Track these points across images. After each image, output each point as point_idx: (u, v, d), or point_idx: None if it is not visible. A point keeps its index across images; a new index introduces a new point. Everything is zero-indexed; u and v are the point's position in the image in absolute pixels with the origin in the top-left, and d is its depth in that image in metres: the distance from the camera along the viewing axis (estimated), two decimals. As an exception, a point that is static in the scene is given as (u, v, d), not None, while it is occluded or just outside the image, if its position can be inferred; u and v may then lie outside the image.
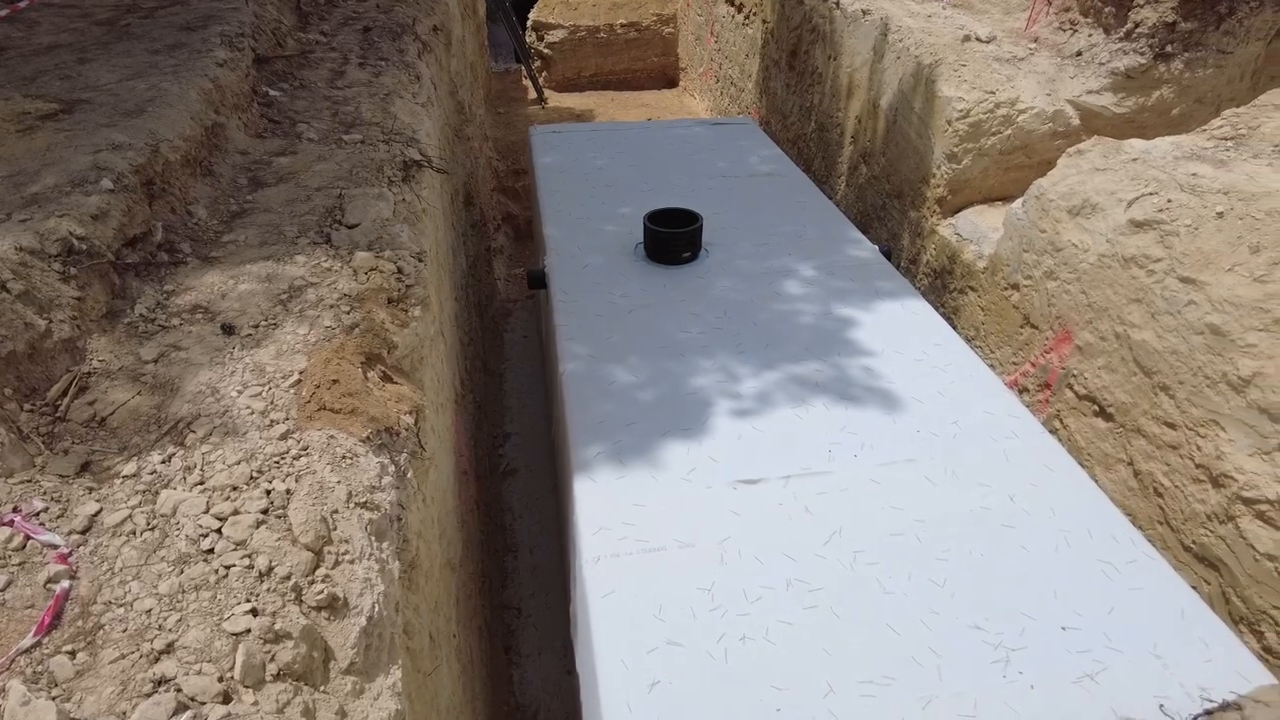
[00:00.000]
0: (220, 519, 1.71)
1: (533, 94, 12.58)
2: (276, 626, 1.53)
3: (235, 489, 1.79)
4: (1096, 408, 3.69)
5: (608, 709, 2.13)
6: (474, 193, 6.65)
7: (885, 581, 2.51)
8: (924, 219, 5.27)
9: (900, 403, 3.25)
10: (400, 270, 2.63)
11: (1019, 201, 4.27)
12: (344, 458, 1.93)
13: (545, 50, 12.91)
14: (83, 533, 1.63)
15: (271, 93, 4.00)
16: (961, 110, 4.80)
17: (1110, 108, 4.72)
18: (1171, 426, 3.27)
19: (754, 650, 2.28)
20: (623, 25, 12.70)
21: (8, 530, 1.59)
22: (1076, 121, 4.79)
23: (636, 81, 13.11)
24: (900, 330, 3.72)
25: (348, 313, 2.36)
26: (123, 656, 1.42)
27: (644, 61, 13.08)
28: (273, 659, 1.49)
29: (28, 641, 1.40)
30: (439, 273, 3.44)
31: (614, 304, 3.95)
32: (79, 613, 1.48)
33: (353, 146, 3.48)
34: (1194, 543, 3.16)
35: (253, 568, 1.62)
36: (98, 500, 1.70)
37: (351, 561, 1.75)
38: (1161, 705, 2.05)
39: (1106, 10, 4.76)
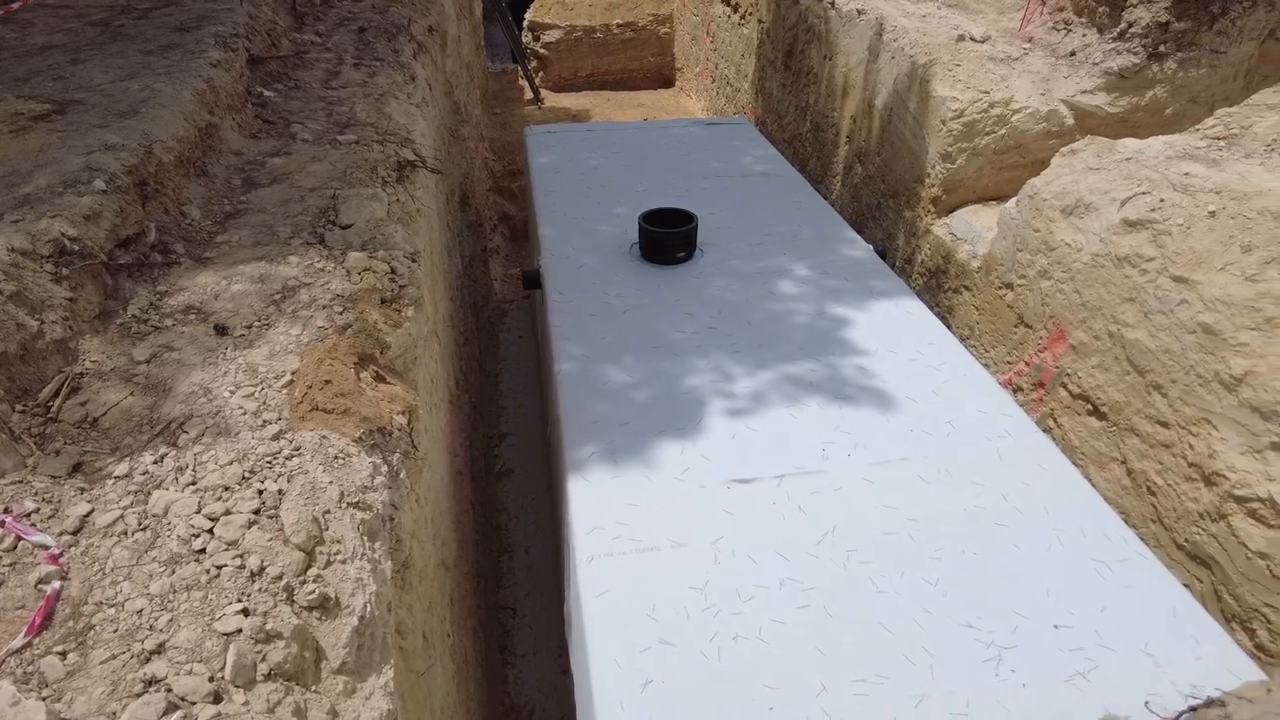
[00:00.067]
0: (212, 519, 1.71)
1: (529, 94, 12.58)
2: (268, 626, 1.53)
3: (227, 489, 1.79)
4: (1090, 407, 3.71)
5: (601, 708, 2.14)
6: (470, 193, 6.65)
7: (878, 580, 2.51)
8: (919, 218, 5.28)
9: (894, 402, 3.26)
10: (393, 270, 2.63)
11: (1013, 201, 4.28)
12: (336, 458, 1.93)
13: (541, 50, 12.91)
14: (74, 533, 1.63)
15: (266, 93, 4.00)
16: (956, 110, 4.80)
17: (1104, 107, 4.73)
18: (1164, 425, 3.28)
19: (747, 649, 2.28)
20: (619, 25, 12.70)
21: (-1, 531, 1.59)
22: (1070, 121, 4.80)
23: (633, 81, 13.12)
24: (894, 330, 3.72)
25: (340, 313, 2.37)
26: (113, 657, 1.42)
27: (640, 61, 13.08)
28: (264, 659, 1.49)
29: (18, 642, 1.41)
30: (433, 273, 3.45)
31: (609, 304, 3.96)
32: (70, 613, 1.48)
33: (347, 147, 3.48)
34: (1186, 541, 3.17)
35: (244, 568, 1.63)
36: (89, 501, 1.70)
37: (343, 561, 1.76)
38: (1147, 702, 2.06)
39: (1100, 10, 4.77)
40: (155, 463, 1.83)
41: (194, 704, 1.36)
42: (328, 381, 2.07)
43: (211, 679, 1.42)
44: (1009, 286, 4.25)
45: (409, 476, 2.22)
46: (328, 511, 1.80)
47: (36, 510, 1.66)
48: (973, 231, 4.77)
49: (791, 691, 2.17)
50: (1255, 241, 3.00)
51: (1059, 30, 5.08)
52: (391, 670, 1.76)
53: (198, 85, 3.24)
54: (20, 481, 1.72)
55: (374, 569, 1.82)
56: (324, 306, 2.38)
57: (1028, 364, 4.12)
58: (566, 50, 12.81)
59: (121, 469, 1.79)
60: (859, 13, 6.05)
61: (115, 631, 1.46)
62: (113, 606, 1.50)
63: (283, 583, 1.63)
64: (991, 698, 2.20)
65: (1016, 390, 4.20)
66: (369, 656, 1.71)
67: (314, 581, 1.68)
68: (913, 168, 5.30)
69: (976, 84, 4.85)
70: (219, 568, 1.61)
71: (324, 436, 1.97)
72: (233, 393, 2.06)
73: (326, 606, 1.66)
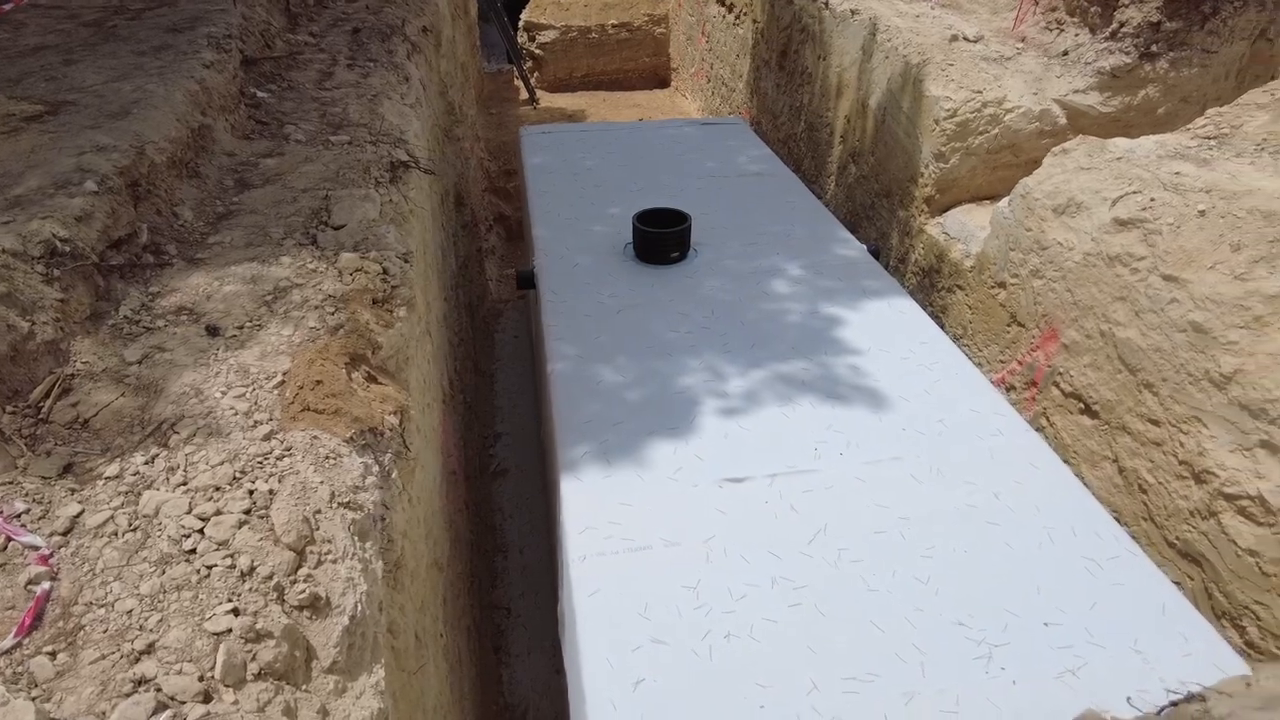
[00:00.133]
0: (203, 519, 1.72)
1: (525, 94, 12.58)
2: (258, 626, 1.54)
3: (218, 489, 1.80)
4: (1082, 405, 3.72)
5: (592, 707, 2.15)
6: (465, 193, 6.65)
7: (870, 579, 2.52)
8: (912, 218, 5.29)
9: (886, 401, 3.27)
10: (386, 271, 2.63)
11: (1005, 200, 4.30)
12: (327, 458, 1.94)
13: (537, 51, 12.91)
14: (64, 534, 1.63)
15: (259, 94, 4.00)
16: (949, 110, 4.82)
17: (1096, 107, 4.74)
18: (1155, 423, 3.29)
19: (738, 648, 2.29)
20: (614, 25, 12.71)
21: (-11, 532, 1.60)
22: (1063, 121, 4.82)
23: (628, 82, 13.12)
24: (887, 329, 3.74)
25: (332, 313, 2.37)
26: (103, 657, 1.42)
27: (636, 62, 13.09)
28: (254, 658, 1.49)
29: (8, 643, 1.41)
30: (427, 273, 3.45)
31: (602, 304, 3.97)
32: (60, 614, 1.49)
33: (340, 148, 3.49)
34: (1177, 538, 3.18)
35: (235, 568, 1.63)
36: (80, 502, 1.70)
37: (334, 561, 1.76)
38: (1129, 698, 2.08)
39: (1092, 10, 4.79)
40: (146, 463, 1.83)
41: (183, 703, 1.37)
42: (319, 382, 2.08)
43: (201, 678, 1.42)
44: (1002, 285, 4.26)
45: (401, 476, 2.22)
46: (318, 511, 1.81)
47: (27, 511, 1.67)
48: (966, 231, 4.78)
49: (783, 690, 2.19)
50: (1244, 240, 3.02)
51: (1052, 30, 5.09)
52: (382, 669, 1.76)
53: (190, 86, 3.24)
54: (10, 482, 1.72)
55: (365, 569, 1.82)
56: (316, 307, 2.39)
57: (1020, 363, 4.13)
58: (562, 50, 12.81)
59: (112, 470, 1.80)
60: (853, 13, 6.07)
61: (105, 632, 1.47)
62: (103, 607, 1.51)
63: (273, 582, 1.63)
64: (982, 695, 2.21)
65: (1009, 389, 4.21)
66: (360, 656, 1.72)
67: (305, 581, 1.68)
68: (906, 167, 5.31)
69: (970, 84, 4.86)
70: (209, 568, 1.62)
71: (315, 437, 1.97)
72: (224, 393, 2.06)
73: (317, 606, 1.66)
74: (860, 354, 3.57)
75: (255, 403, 2.04)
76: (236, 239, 2.76)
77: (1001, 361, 4.30)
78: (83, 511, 1.68)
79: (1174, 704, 1.06)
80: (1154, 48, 4.56)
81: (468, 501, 4.27)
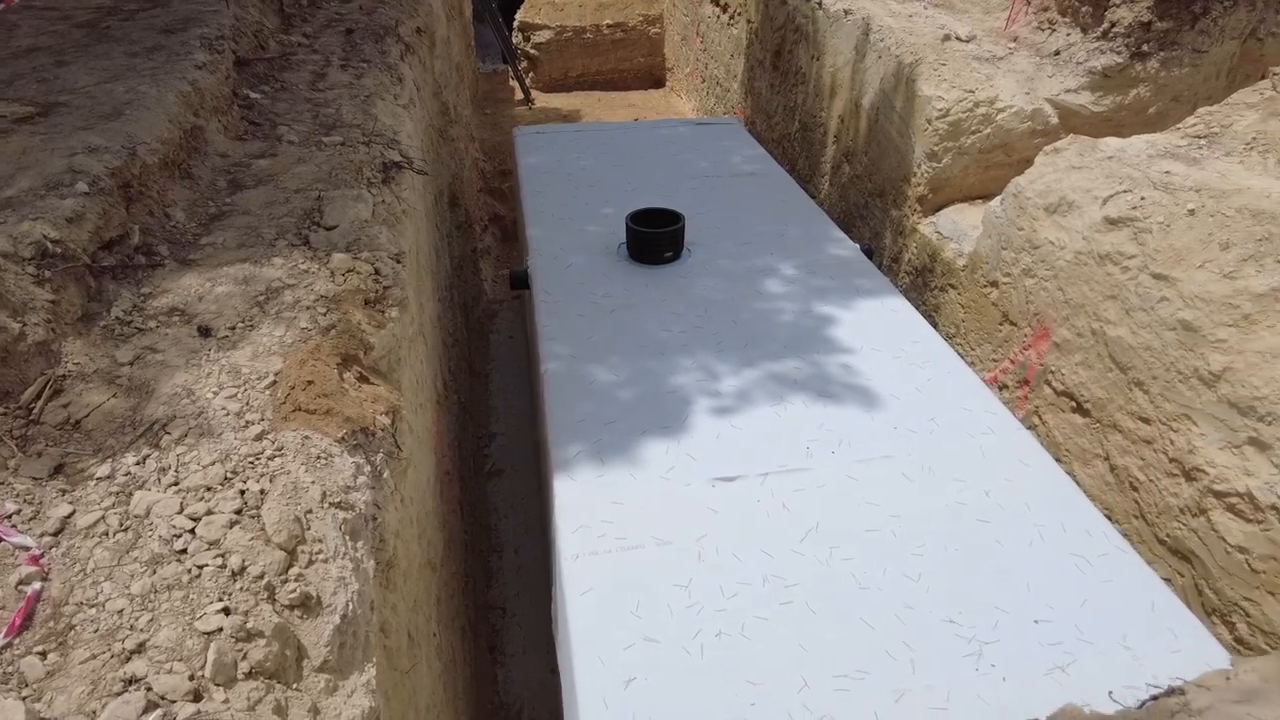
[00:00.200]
0: (194, 519, 1.72)
1: (520, 95, 12.59)
2: (249, 625, 1.54)
3: (209, 489, 1.80)
4: (1074, 404, 3.74)
5: (584, 705, 2.15)
6: (459, 194, 6.65)
7: (861, 577, 2.54)
8: (905, 217, 5.31)
9: (878, 400, 3.28)
10: (378, 271, 2.64)
11: (997, 200, 4.31)
12: (318, 458, 1.94)
13: (532, 51, 12.92)
14: (55, 534, 1.64)
15: (252, 95, 4.00)
16: (941, 109, 4.83)
17: (1088, 106, 4.76)
18: (1146, 421, 3.31)
19: (729, 646, 2.30)
20: (609, 26, 12.72)
21: (-20, 532, 1.60)
22: (1055, 120, 4.84)
23: (623, 82, 13.14)
24: (879, 328, 3.75)
25: (324, 314, 2.37)
26: (93, 656, 1.43)
27: (630, 62, 13.10)
28: (244, 657, 1.50)
29: (-1, 642, 1.42)
30: (419, 274, 3.46)
31: (596, 304, 3.97)
32: (50, 614, 1.49)
33: (333, 148, 3.49)
34: (1168, 536, 3.20)
35: (225, 567, 1.64)
36: (70, 502, 1.71)
37: (325, 561, 1.77)
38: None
39: (1084, 10, 4.81)
40: (137, 464, 1.84)
41: (174, 702, 1.37)
42: (310, 382, 2.08)
43: (192, 677, 1.43)
44: (994, 284, 4.28)
45: (393, 476, 2.23)
46: (309, 511, 1.82)
47: (18, 511, 1.67)
48: (959, 230, 4.80)
49: (773, 687, 2.20)
50: (1233, 239, 3.03)
51: (1044, 30, 5.11)
52: (374, 668, 1.77)
53: (182, 87, 3.24)
54: (1, 483, 1.72)
55: (356, 568, 1.83)
56: (307, 308, 2.39)
57: (1013, 361, 4.15)
58: (557, 51, 12.82)
59: (103, 470, 1.80)
60: (846, 13, 6.08)
61: (96, 631, 1.47)
62: (93, 607, 1.51)
63: (264, 582, 1.64)
64: (971, 691, 2.22)
65: (1002, 388, 4.23)
66: (351, 655, 1.72)
67: (295, 580, 1.69)
68: (899, 167, 5.33)
69: (962, 83, 4.88)
70: (200, 567, 1.62)
71: (306, 437, 1.98)
72: (216, 394, 2.07)
73: (308, 605, 1.67)
74: (852, 353, 3.58)
75: (247, 403, 2.05)
76: (229, 240, 2.76)
77: (994, 360, 4.32)
78: (74, 512, 1.69)
79: (1155, 698, 1.07)
80: (1145, 47, 4.58)
81: (462, 501, 4.28)
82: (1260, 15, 4.51)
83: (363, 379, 2.29)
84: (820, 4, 6.47)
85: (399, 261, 2.80)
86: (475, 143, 9.81)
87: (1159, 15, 4.49)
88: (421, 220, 3.89)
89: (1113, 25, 4.64)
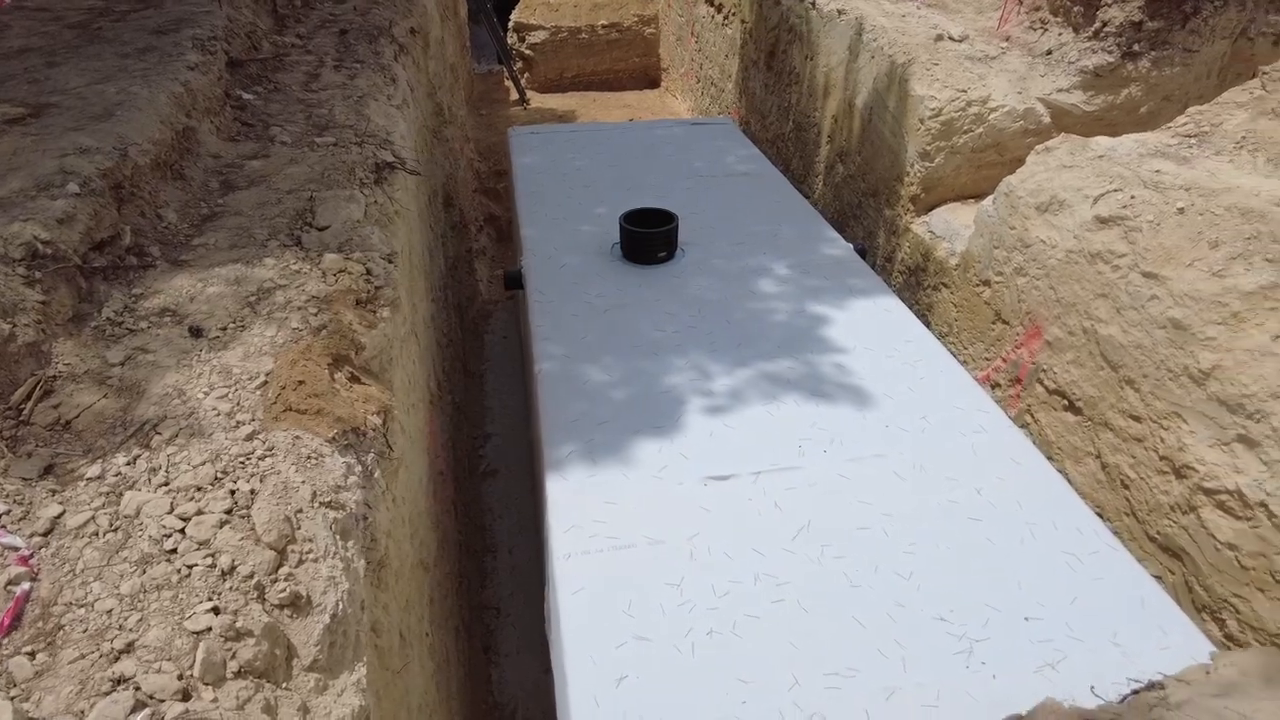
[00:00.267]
0: (184, 519, 1.72)
1: (515, 95, 12.59)
2: (238, 624, 1.54)
3: (199, 489, 1.80)
4: (1066, 402, 3.75)
5: (575, 704, 2.16)
6: (454, 194, 6.66)
7: (852, 575, 2.54)
8: (898, 217, 5.32)
9: (870, 399, 3.29)
10: (369, 272, 2.64)
11: (989, 199, 4.33)
12: (309, 458, 1.95)
13: (527, 51, 12.92)
14: (44, 535, 1.64)
15: (245, 96, 4.00)
16: (934, 109, 4.85)
17: (1080, 106, 4.78)
18: (1136, 419, 3.32)
19: (721, 644, 2.31)
20: (604, 26, 12.72)
21: (-31, 533, 1.60)
22: (1047, 119, 4.85)
23: (618, 82, 13.14)
24: (872, 327, 3.76)
25: (315, 314, 2.38)
26: (82, 656, 1.43)
27: (626, 62, 13.11)
28: (234, 656, 1.50)
29: (-13, 643, 1.42)
30: (412, 274, 3.46)
31: (590, 304, 3.98)
32: (39, 614, 1.49)
33: (325, 149, 3.49)
34: (1159, 533, 3.21)
35: (215, 567, 1.64)
36: (60, 503, 1.71)
37: (315, 560, 1.77)
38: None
39: (1075, 10, 4.82)
40: (128, 464, 1.84)
41: (162, 701, 1.38)
42: (301, 382, 2.08)
43: (180, 677, 1.43)
44: (986, 283, 4.29)
45: (384, 476, 2.23)
46: (300, 511, 1.82)
47: (7, 512, 1.67)
48: (951, 229, 4.81)
49: (764, 685, 2.20)
50: (1222, 237, 3.05)
51: (1036, 29, 5.13)
52: (365, 668, 1.77)
53: (174, 88, 3.24)
54: (-9, 484, 1.72)
55: (347, 567, 1.83)
56: (299, 308, 2.39)
57: (1005, 360, 4.16)
58: (552, 51, 12.82)
59: (94, 471, 1.80)
60: (839, 13, 6.09)
61: (85, 631, 1.47)
62: (82, 607, 1.52)
63: (253, 581, 1.64)
64: (962, 689, 2.23)
65: (994, 386, 4.24)
66: (341, 654, 1.73)
67: (285, 580, 1.69)
68: (892, 166, 5.34)
69: (954, 83, 4.89)
70: (190, 567, 1.63)
71: (297, 437, 1.98)
72: (206, 394, 2.07)
73: (298, 604, 1.67)
74: (845, 352, 3.59)
75: (238, 403, 2.05)
76: (221, 240, 2.77)
77: (986, 359, 4.33)
78: (63, 512, 1.69)
79: (1135, 692, 1.08)
80: (1136, 47, 4.59)
81: (456, 502, 4.28)
82: (1251, 15, 4.53)
83: (354, 379, 2.29)
84: (814, 4, 6.48)
85: (391, 262, 2.81)
86: (470, 143, 9.81)
87: (1150, 15, 4.51)
88: (414, 220, 3.89)
89: (1104, 25, 4.66)
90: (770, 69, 7.64)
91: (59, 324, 2.14)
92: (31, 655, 1.42)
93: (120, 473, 1.81)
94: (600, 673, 2.22)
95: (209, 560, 1.65)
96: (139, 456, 1.86)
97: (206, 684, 1.44)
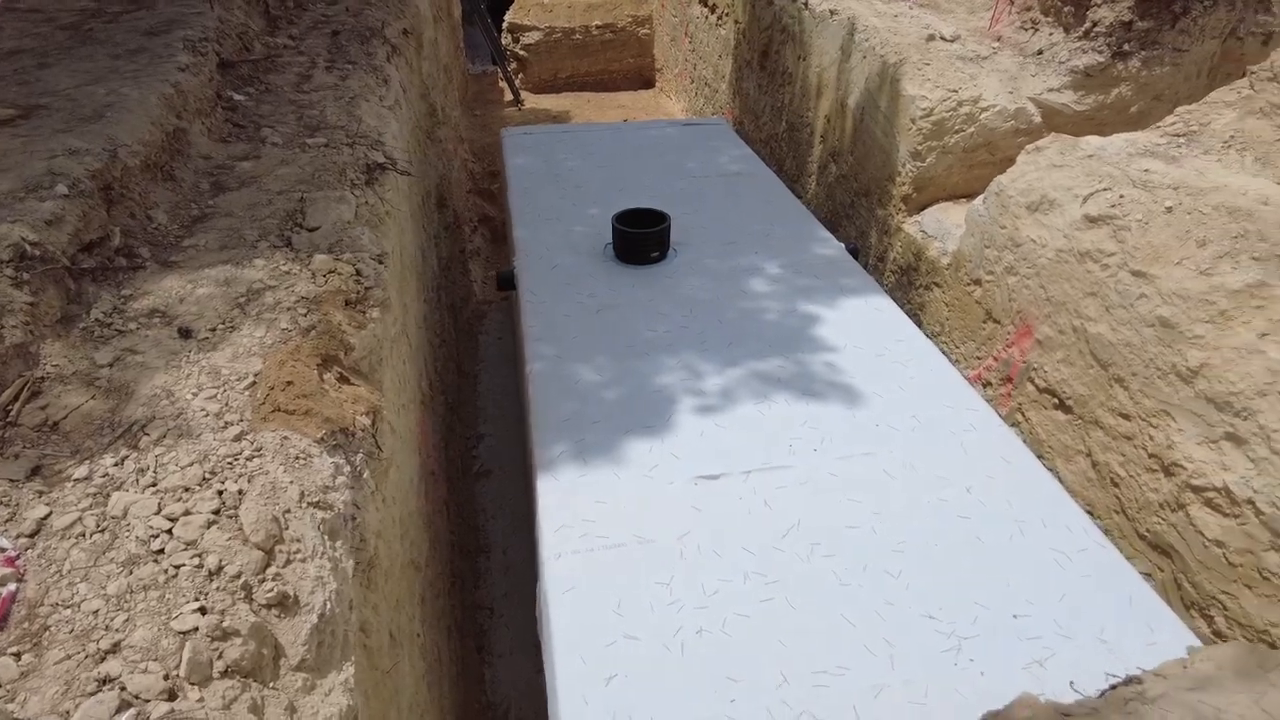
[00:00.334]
0: (171, 520, 1.73)
1: (509, 96, 12.59)
2: (225, 624, 1.55)
3: (187, 490, 1.81)
4: (1056, 400, 3.76)
5: (565, 703, 2.17)
6: (447, 195, 6.65)
7: (841, 573, 2.55)
8: (891, 216, 5.33)
9: (861, 397, 3.30)
10: (359, 272, 2.65)
11: (980, 198, 4.34)
12: (297, 458, 1.95)
13: (521, 52, 12.92)
14: (31, 536, 1.64)
15: (236, 97, 4.00)
16: (925, 109, 4.86)
17: (1071, 105, 4.80)
18: (1126, 417, 3.34)
19: (710, 643, 2.31)
20: (598, 27, 12.73)
21: (-44, 534, 1.60)
22: (1038, 119, 4.87)
23: (613, 83, 13.15)
24: (863, 326, 3.77)
25: (305, 315, 2.38)
26: (68, 657, 1.43)
27: (620, 63, 13.11)
28: (220, 656, 1.50)
29: (-27, 643, 1.42)
30: (403, 274, 3.46)
31: (582, 304, 3.99)
32: (25, 615, 1.50)
33: (316, 150, 3.49)
34: (1148, 531, 3.22)
35: (202, 567, 1.64)
36: (47, 504, 1.71)
37: (303, 560, 1.77)
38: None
39: (1066, 10, 4.84)
40: (115, 465, 1.84)
41: (147, 701, 1.38)
42: (290, 383, 2.09)
43: (167, 677, 1.43)
44: (977, 283, 4.31)
45: (373, 477, 2.24)
46: (288, 511, 1.82)
47: (-6, 513, 1.67)
48: (943, 229, 4.83)
49: (753, 683, 2.21)
50: (1209, 236, 3.06)
51: (1027, 29, 5.15)
52: (353, 667, 1.78)
53: (165, 90, 3.24)
54: (-22, 485, 1.72)
55: (335, 567, 1.84)
56: (288, 309, 2.40)
57: (996, 359, 4.17)
58: (546, 52, 12.82)
59: (81, 472, 1.80)
60: (832, 13, 6.10)
61: (71, 632, 1.48)
62: (69, 608, 1.52)
63: (241, 581, 1.65)
64: (950, 686, 2.24)
65: (986, 385, 4.26)
66: (329, 653, 1.73)
67: (273, 580, 1.69)
68: (884, 166, 5.35)
69: (946, 83, 4.91)
70: (177, 568, 1.63)
71: (285, 437, 1.98)
72: (195, 395, 2.07)
73: (285, 604, 1.68)
74: (836, 351, 3.60)
75: (226, 404, 2.05)
76: (211, 242, 2.77)
77: (978, 358, 4.34)
78: (50, 513, 1.69)
79: (1113, 687, 1.09)
80: (1126, 47, 4.61)
81: (448, 502, 4.28)
82: (1240, 14, 4.55)
83: (343, 379, 2.29)
84: (806, 4, 6.50)
85: (381, 262, 2.81)
86: (464, 144, 9.81)
87: (1140, 15, 4.53)
88: (406, 221, 3.89)
89: (1094, 25, 4.68)
90: (764, 69, 7.65)
91: (47, 325, 2.14)
92: (17, 656, 1.42)
93: (108, 474, 1.81)
94: (589, 672, 2.23)
95: (196, 560, 1.65)
96: (127, 457, 1.87)
97: (192, 684, 1.44)
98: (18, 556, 1.59)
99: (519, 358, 4.64)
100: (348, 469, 2.07)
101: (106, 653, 1.45)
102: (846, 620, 2.40)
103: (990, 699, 2.20)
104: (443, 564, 3.69)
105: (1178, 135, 3.71)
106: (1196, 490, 2.96)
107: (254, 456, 1.92)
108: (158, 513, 1.74)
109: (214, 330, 2.30)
